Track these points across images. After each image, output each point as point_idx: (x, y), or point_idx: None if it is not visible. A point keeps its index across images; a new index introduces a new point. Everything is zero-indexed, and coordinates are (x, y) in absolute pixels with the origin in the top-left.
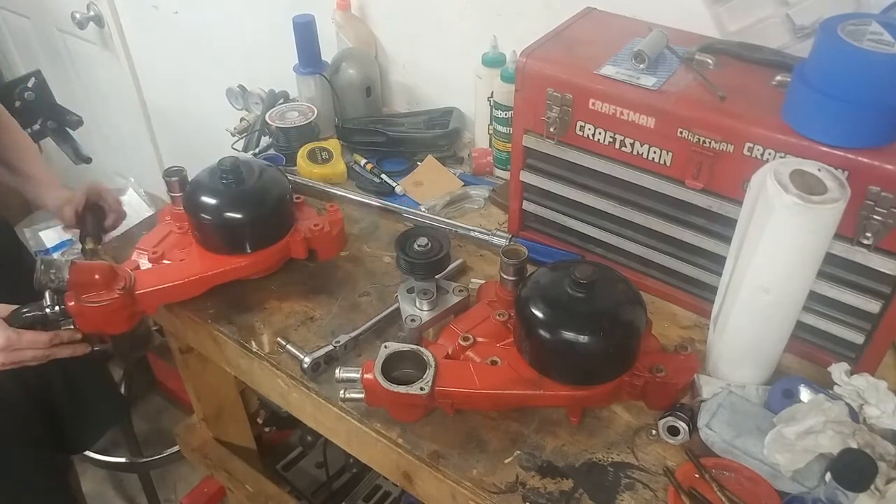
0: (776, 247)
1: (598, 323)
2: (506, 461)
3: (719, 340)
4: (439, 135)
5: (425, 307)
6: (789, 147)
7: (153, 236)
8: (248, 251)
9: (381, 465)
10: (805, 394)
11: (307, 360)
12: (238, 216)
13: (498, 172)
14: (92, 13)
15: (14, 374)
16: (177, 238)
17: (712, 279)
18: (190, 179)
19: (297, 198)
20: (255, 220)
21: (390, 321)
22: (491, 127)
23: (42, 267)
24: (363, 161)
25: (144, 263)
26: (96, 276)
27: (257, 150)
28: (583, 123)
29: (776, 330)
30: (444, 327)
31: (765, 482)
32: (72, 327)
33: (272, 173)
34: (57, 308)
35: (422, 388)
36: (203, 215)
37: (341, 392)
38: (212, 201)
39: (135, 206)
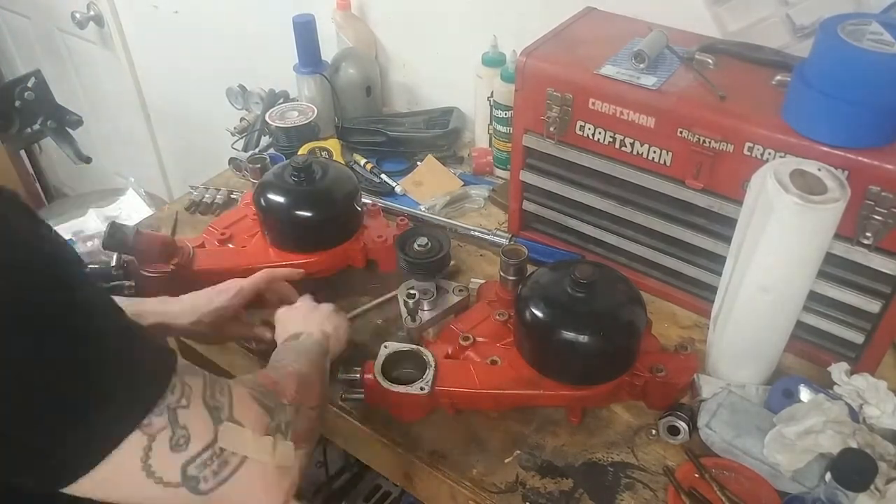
0: (776, 247)
1: (598, 323)
2: (506, 461)
3: (719, 340)
4: (439, 135)
5: (425, 307)
6: (789, 147)
7: (228, 217)
8: (305, 250)
9: (381, 465)
10: (805, 394)
11: None
12: (298, 213)
13: (498, 172)
14: (92, 13)
15: None
16: (248, 224)
17: (712, 279)
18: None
19: (373, 205)
20: (311, 220)
21: (390, 321)
22: (491, 127)
23: (110, 229)
24: (363, 161)
25: (211, 242)
26: (157, 248)
27: (257, 150)
28: (583, 123)
29: (776, 330)
30: (444, 327)
31: (765, 482)
32: (134, 289)
33: (342, 177)
34: (121, 270)
35: (422, 388)
36: (262, 202)
37: (341, 392)
38: (278, 195)
39: (135, 206)
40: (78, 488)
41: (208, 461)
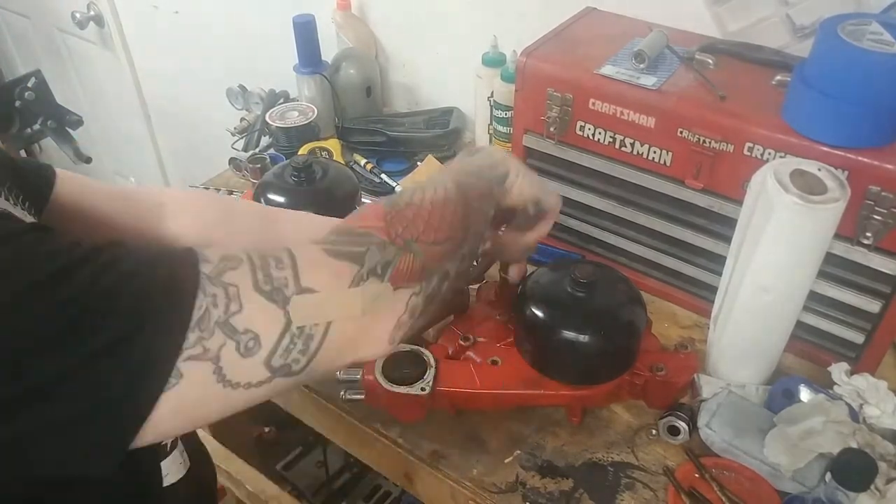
0: (776, 247)
1: (598, 322)
2: (506, 461)
3: (719, 340)
4: (439, 135)
5: None
6: (789, 147)
7: None
8: None
9: (381, 465)
10: (805, 394)
11: None
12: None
13: None
14: (92, 13)
15: None
16: None
17: (712, 279)
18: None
19: None
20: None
21: None
22: (491, 127)
23: None
24: (363, 161)
25: None
26: None
27: (257, 150)
28: (583, 123)
29: (776, 330)
30: (444, 327)
31: (765, 482)
32: None
33: (342, 177)
34: None
35: (422, 389)
36: (262, 202)
37: (342, 392)
38: (278, 195)
39: None
40: (154, 430)
41: (290, 346)
